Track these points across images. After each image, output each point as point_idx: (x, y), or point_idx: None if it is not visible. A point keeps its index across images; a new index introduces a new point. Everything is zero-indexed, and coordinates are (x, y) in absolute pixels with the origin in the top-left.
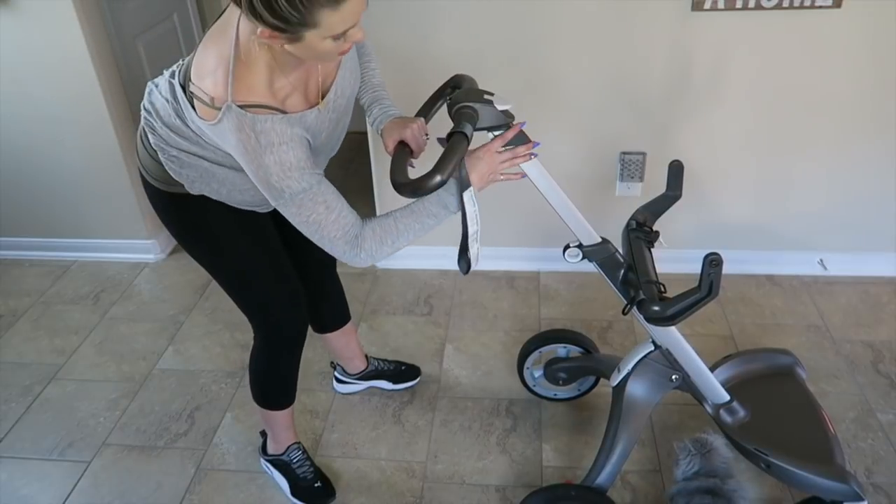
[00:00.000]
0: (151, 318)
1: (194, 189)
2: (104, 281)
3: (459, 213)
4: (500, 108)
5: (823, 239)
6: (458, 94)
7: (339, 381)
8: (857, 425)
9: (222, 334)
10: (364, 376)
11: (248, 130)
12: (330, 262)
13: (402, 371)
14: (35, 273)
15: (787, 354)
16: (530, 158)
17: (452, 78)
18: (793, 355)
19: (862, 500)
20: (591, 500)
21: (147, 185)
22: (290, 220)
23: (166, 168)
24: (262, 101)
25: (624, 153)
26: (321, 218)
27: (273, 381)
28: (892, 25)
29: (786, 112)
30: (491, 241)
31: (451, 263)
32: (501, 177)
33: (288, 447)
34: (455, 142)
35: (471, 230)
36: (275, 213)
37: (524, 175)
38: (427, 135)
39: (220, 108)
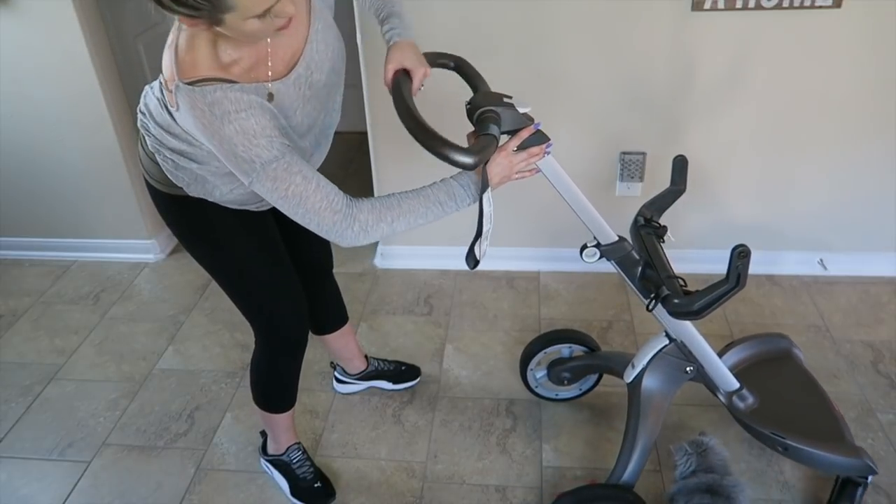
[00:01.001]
0: (151, 318)
1: (191, 191)
2: (104, 281)
3: (474, 212)
4: (521, 111)
5: (823, 239)
6: (477, 99)
7: (339, 381)
8: (857, 425)
9: (222, 334)
10: (364, 376)
11: (201, 105)
12: (327, 263)
13: (402, 371)
14: (35, 273)
15: (783, 337)
16: (544, 156)
17: (452, 56)
18: (787, 338)
19: (875, 472)
20: (621, 497)
21: (150, 187)
22: (268, 198)
23: (163, 170)
24: (208, 74)
25: (624, 153)
26: (301, 189)
27: (274, 385)
28: (892, 25)
29: (785, 112)
30: (491, 240)
31: (452, 263)
32: (517, 175)
33: (288, 447)
34: (486, 141)
35: (485, 229)
36: (274, 213)
37: (539, 171)
38: (423, 85)
39: (172, 91)
